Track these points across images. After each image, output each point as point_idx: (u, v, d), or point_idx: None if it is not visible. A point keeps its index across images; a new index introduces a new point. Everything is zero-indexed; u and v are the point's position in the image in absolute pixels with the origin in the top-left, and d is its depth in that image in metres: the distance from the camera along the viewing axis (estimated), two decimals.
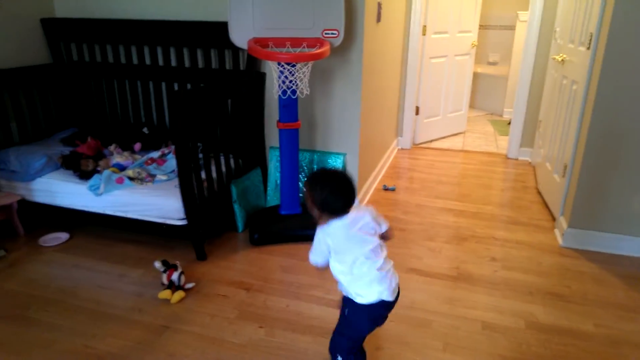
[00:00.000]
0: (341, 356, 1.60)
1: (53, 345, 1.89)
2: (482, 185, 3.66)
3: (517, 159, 4.25)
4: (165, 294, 2.16)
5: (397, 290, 1.54)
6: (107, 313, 2.08)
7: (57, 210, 2.68)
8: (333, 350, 1.63)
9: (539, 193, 3.48)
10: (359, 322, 1.55)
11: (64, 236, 2.73)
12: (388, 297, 1.48)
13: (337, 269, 1.51)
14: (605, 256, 2.62)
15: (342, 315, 1.60)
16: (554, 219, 3.03)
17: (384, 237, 1.56)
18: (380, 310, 1.53)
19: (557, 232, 2.87)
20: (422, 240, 2.77)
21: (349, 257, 1.48)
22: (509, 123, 5.26)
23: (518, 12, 5.45)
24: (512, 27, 5.91)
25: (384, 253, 1.53)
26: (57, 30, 3.23)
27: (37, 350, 1.87)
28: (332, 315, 1.83)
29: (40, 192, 2.67)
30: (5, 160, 2.75)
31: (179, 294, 2.17)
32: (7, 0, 2.99)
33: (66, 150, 2.88)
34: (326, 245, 1.49)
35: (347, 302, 1.56)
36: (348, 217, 1.49)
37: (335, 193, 1.47)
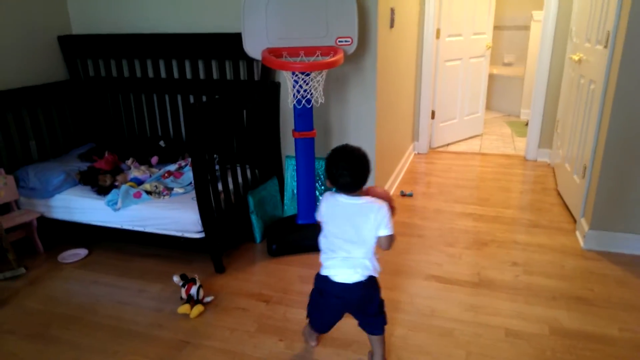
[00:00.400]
0: (309, 307, 1.82)
1: None
2: (501, 188, 3.60)
3: (535, 161, 4.17)
4: (184, 308, 2.16)
5: (358, 277, 1.62)
6: (127, 329, 2.09)
7: (76, 226, 2.71)
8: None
9: (559, 195, 3.40)
10: (315, 285, 1.74)
11: (82, 252, 2.75)
12: (334, 277, 1.64)
13: (321, 235, 1.67)
14: (628, 258, 2.55)
15: None
16: (574, 221, 2.96)
17: (379, 243, 1.63)
18: (326, 286, 1.67)
19: (578, 234, 2.80)
20: (442, 246, 2.73)
21: (328, 230, 1.64)
22: (527, 124, 5.19)
23: (532, 12, 5.37)
24: (526, 28, 5.83)
25: (367, 248, 1.61)
26: (73, 47, 3.29)
27: None
28: (353, 327, 1.81)
29: (59, 209, 2.70)
30: (25, 178, 2.79)
31: (198, 308, 2.16)
32: (25, 19, 3.05)
33: (84, 166, 2.92)
34: (319, 208, 1.66)
35: None
36: (355, 199, 1.59)
37: (346, 169, 1.55)
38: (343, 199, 1.60)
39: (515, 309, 2.14)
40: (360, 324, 1.78)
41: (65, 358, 1.93)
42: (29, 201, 2.76)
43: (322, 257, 1.67)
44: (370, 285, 1.66)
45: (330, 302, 1.70)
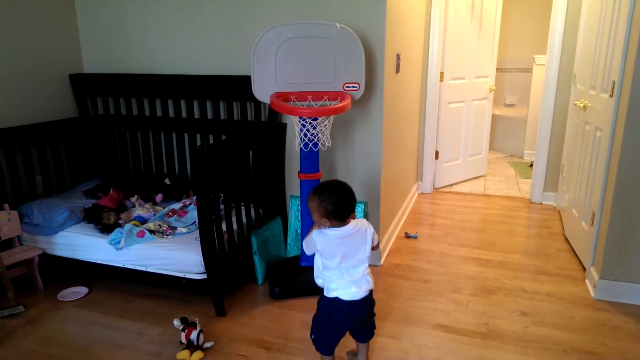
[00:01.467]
0: (314, 335, 1.91)
1: None
2: (506, 231, 3.56)
3: (541, 204, 4.15)
4: (183, 354, 2.10)
5: (363, 294, 1.80)
6: None
7: (78, 264, 2.68)
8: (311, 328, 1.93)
9: (567, 240, 3.36)
10: (322, 309, 1.86)
11: (83, 290, 2.71)
12: (344, 296, 1.77)
13: (318, 265, 1.82)
14: None
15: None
16: (583, 268, 2.91)
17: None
18: (335, 306, 1.79)
19: (588, 283, 2.74)
20: (448, 293, 2.67)
21: (332, 262, 1.78)
22: (531, 165, 5.20)
23: (534, 55, 5.49)
24: (528, 70, 5.94)
25: (366, 264, 1.82)
26: (84, 85, 3.34)
27: None
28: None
29: (62, 246, 2.68)
30: (29, 214, 2.78)
31: (198, 355, 2.10)
32: (39, 57, 3.12)
33: (88, 203, 2.91)
34: (315, 246, 1.79)
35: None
36: (346, 229, 1.77)
37: (340, 202, 1.74)
38: (334, 232, 1.77)
39: None
40: (353, 333, 1.96)
41: None
42: (31, 237, 2.75)
43: (327, 284, 1.81)
44: (371, 298, 1.86)
45: (341, 321, 1.84)
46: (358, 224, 1.80)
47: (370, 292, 1.83)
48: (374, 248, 1.85)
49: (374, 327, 1.98)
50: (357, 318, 1.85)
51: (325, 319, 1.85)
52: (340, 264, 1.77)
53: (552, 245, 3.32)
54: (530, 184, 4.25)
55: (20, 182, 2.93)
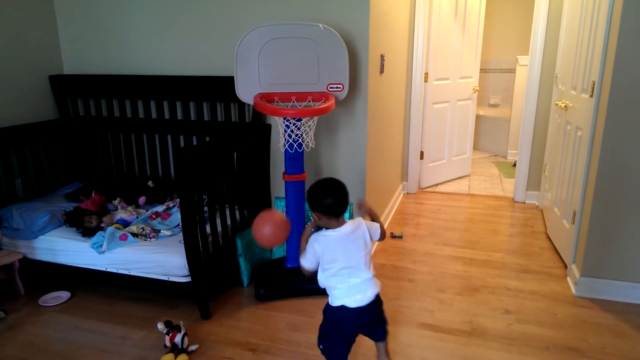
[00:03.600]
0: (322, 345, 1.85)
1: None
2: (490, 230, 3.60)
3: (524, 202, 4.20)
4: (168, 358, 2.08)
5: (369, 299, 1.74)
6: None
7: (59, 268, 2.63)
8: (318, 339, 1.88)
9: (549, 238, 3.41)
10: (328, 318, 1.82)
11: (64, 295, 2.66)
12: (350, 304, 1.72)
13: (320, 275, 1.77)
14: (621, 305, 2.53)
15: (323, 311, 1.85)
16: (565, 266, 2.96)
17: (380, 237, 1.84)
18: (342, 314, 1.74)
19: (569, 280, 2.79)
20: (433, 292, 2.69)
21: (333, 267, 1.72)
22: (514, 164, 5.26)
23: (517, 56, 5.56)
24: (512, 70, 6.01)
25: (368, 266, 1.77)
26: (64, 86, 3.29)
27: None
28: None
29: (43, 250, 2.63)
30: (9, 218, 2.73)
31: (182, 358, 2.08)
32: (17, 58, 3.06)
33: (70, 206, 2.87)
34: (314, 252, 1.73)
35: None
36: (344, 229, 1.74)
37: (332, 192, 1.72)
38: (333, 233, 1.74)
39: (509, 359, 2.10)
40: (368, 335, 1.91)
41: None
42: (11, 242, 2.69)
43: (331, 291, 1.77)
44: (379, 301, 1.81)
45: (349, 328, 1.79)
46: (355, 224, 1.77)
47: (377, 295, 1.78)
48: (381, 239, 1.84)
49: (387, 324, 1.91)
50: (367, 322, 1.80)
51: (333, 328, 1.80)
52: (343, 269, 1.72)
53: (535, 243, 3.37)
54: (514, 183, 4.31)
55: None
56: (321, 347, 1.87)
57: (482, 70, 5.94)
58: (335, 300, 1.74)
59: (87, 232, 2.58)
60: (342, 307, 1.72)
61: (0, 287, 2.67)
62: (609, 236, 2.54)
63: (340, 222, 1.75)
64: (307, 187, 2.69)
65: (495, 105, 6.52)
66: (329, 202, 1.70)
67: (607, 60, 2.43)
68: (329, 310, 1.80)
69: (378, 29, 2.90)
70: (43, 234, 2.64)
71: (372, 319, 1.81)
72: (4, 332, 2.37)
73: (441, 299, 2.61)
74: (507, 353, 2.15)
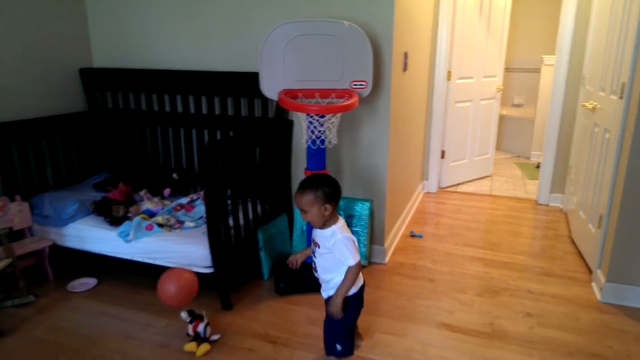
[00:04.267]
0: (341, 346, 1.90)
1: None
2: (512, 232, 3.56)
3: (547, 205, 4.14)
4: (190, 346, 2.13)
5: None
6: None
7: (87, 256, 2.72)
8: (332, 343, 1.91)
9: (573, 242, 3.36)
10: (353, 308, 1.89)
11: (92, 282, 2.75)
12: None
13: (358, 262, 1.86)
14: None
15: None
16: (590, 271, 2.91)
17: None
18: (363, 292, 1.93)
19: (594, 285, 2.74)
20: (453, 292, 2.68)
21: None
22: (538, 166, 5.18)
23: (543, 55, 5.46)
24: (536, 70, 5.91)
25: None
26: (94, 79, 3.38)
27: None
28: None
29: (71, 238, 2.71)
30: (40, 206, 2.82)
31: (205, 347, 2.13)
32: (50, 51, 3.15)
33: (98, 195, 2.95)
34: (355, 242, 1.84)
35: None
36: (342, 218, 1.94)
37: (332, 183, 1.86)
38: (341, 219, 1.93)
39: None
40: None
41: None
42: (42, 228, 2.79)
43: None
44: None
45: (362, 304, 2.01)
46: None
47: None
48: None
49: None
50: None
51: (354, 318, 1.93)
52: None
53: (558, 247, 3.32)
54: (537, 185, 4.24)
55: (31, 174, 2.97)
56: (340, 348, 1.87)
57: (506, 70, 5.85)
58: (358, 283, 1.92)
59: (115, 221, 2.65)
60: (357, 292, 1.92)
61: (30, 272, 2.76)
62: (637, 241, 2.49)
63: (336, 215, 1.94)
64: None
65: (519, 105, 6.43)
66: (329, 190, 1.84)
67: (638, 61, 2.38)
68: (351, 301, 1.90)
69: (402, 27, 2.90)
70: (72, 222, 2.72)
71: None
72: (33, 315, 2.45)
73: (461, 300, 2.60)
74: (528, 357, 2.13)
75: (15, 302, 2.54)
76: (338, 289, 1.85)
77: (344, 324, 1.89)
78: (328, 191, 1.82)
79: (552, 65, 4.01)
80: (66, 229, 2.72)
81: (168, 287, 1.83)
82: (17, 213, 2.74)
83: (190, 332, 2.19)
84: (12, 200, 2.74)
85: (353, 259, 1.82)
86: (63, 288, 2.70)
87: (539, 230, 3.62)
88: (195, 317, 2.21)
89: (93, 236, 2.66)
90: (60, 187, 3.13)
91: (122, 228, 2.58)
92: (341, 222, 1.89)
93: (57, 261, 2.82)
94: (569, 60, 3.79)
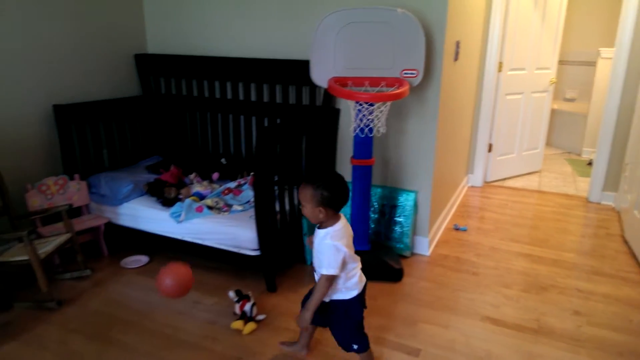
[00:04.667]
0: (356, 344, 1.83)
1: None
2: (561, 229, 3.45)
3: (599, 203, 3.98)
4: (237, 324, 2.20)
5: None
6: (182, 339, 2.15)
7: (139, 234, 2.84)
8: (347, 344, 1.84)
9: (626, 242, 3.22)
10: (356, 310, 1.81)
11: (144, 259, 2.87)
12: (360, 288, 1.80)
13: (343, 275, 1.74)
14: None
15: (340, 316, 1.81)
16: None
17: None
18: (364, 292, 1.83)
19: None
20: (498, 287, 2.64)
21: (352, 254, 1.74)
22: (589, 163, 4.98)
23: (600, 48, 5.21)
24: (591, 64, 5.65)
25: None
26: (148, 65, 3.50)
27: None
28: None
29: (126, 216, 2.85)
30: (97, 185, 2.96)
31: (251, 326, 2.20)
32: (107, 38, 3.29)
33: (151, 177, 3.07)
34: (342, 252, 1.68)
35: (339, 304, 1.79)
36: (343, 220, 1.74)
37: (336, 189, 1.68)
38: (338, 226, 1.73)
39: None
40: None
41: None
42: (98, 207, 2.93)
43: (350, 282, 1.77)
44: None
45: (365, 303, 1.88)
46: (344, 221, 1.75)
47: None
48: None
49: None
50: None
51: (361, 317, 1.83)
52: (353, 255, 1.75)
53: (609, 246, 3.20)
54: (589, 183, 4.08)
55: (88, 155, 3.13)
56: (355, 346, 1.82)
57: (560, 62, 5.62)
58: (352, 290, 1.77)
59: (167, 202, 2.75)
60: (363, 289, 1.82)
61: (87, 247, 2.92)
62: None
63: (337, 219, 1.72)
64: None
65: (571, 100, 6.17)
66: (328, 194, 1.65)
67: None
68: (353, 304, 1.79)
69: (455, 15, 2.84)
70: (127, 202, 2.85)
71: None
72: (90, 288, 2.60)
73: (506, 295, 2.56)
74: (575, 354, 2.08)
75: (74, 275, 2.69)
76: (307, 303, 1.74)
77: (353, 325, 1.82)
78: (326, 195, 1.65)
79: (610, 58, 3.82)
80: (121, 208, 2.85)
81: (165, 281, 1.93)
82: (75, 191, 2.89)
83: (237, 311, 2.26)
84: (72, 179, 2.90)
85: (327, 269, 1.67)
86: (117, 264, 2.84)
87: (589, 229, 3.49)
88: (242, 297, 2.28)
89: (146, 216, 2.77)
90: (115, 168, 3.27)
91: (174, 209, 2.68)
92: (338, 225, 1.70)
93: (111, 238, 2.97)
94: (629, 52, 3.61)
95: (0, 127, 2.72)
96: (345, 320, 1.82)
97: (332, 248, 1.66)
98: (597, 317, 2.37)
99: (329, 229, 1.70)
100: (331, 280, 1.70)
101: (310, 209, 1.68)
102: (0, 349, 2.08)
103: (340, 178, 1.73)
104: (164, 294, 1.94)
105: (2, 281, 2.37)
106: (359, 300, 1.81)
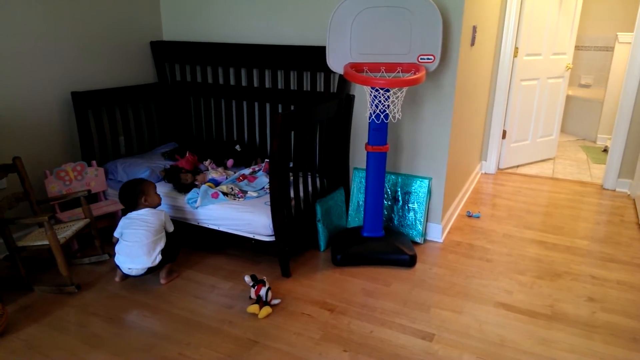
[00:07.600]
0: None
1: (151, 350, 2.02)
2: (575, 216, 3.44)
3: (614, 190, 3.95)
4: (253, 308, 2.24)
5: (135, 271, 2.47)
6: (200, 322, 2.20)
7: None
8: None
9: None
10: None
11: None
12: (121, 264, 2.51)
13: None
14: None
15: None
16: None
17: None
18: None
19: None
20: (512, 273, 2.65)
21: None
22: (604, 150, 4.94)
23: (617, 33, 5.11)
24: (608, 49, 5.56)
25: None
26: (163, 52, 3.51)
27: (135, 353, 2.00)
28: (419, 346, 1.80)
29: None
30: (114, 171, 3.00)
31: (266, 310, 2.24)
32: (123, 25, 3.30)
33: (167, 163, 3.10)
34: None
35: None
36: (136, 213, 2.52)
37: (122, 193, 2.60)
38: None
39: (592, 347, 2.05)
40: None
41: (142, 343, 2.06)
42: (115, 193, 2.97)
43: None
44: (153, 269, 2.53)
45: None
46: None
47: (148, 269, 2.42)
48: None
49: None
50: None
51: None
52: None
53: (624, 233, 3.18)
54: (604, 170, 4.04)
55: (105, 141, 3.16)
56: None
57: (576, 48, 5.53)
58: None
59: (183, 189, 2.79)
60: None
61: (104, 232, 2.96)
62: None
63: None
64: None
65: (586, 86, 6.08)
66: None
67: None
68: None
69: None
70: None
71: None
72: (107, 272, 2.65)
73: (520, 281, 2.57)
74: (589, 340, 2.09)
75: (92, 259, 2.75)
76: None
77: None
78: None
79: (629, 43, 3.75)
80: None
81: None
82: (93, 177, 2.94)
83: (253, 295, 2.29)
84: (89, 165, 2.94)
85: None
86: None
87: (604, 216, 3.47)
88: (257, 282, 2.31)
89: (163, 201, 2.80)
90: (131, 154, 3.31)
91: (190, 195, 2.71)
92: None
93: None
94: None
95: (21, 114, 2.76)
96: None
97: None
98: (611, 303, 2.37)
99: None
100: None
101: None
102: (22, 331, 2.14)
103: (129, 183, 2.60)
104: None
105: (23, 265, 2.43)
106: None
